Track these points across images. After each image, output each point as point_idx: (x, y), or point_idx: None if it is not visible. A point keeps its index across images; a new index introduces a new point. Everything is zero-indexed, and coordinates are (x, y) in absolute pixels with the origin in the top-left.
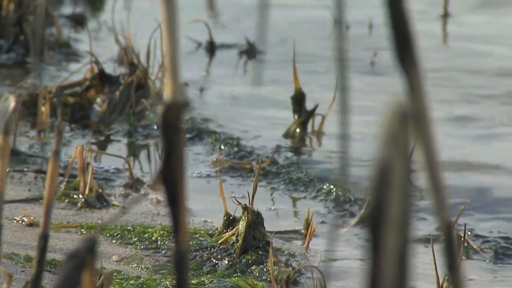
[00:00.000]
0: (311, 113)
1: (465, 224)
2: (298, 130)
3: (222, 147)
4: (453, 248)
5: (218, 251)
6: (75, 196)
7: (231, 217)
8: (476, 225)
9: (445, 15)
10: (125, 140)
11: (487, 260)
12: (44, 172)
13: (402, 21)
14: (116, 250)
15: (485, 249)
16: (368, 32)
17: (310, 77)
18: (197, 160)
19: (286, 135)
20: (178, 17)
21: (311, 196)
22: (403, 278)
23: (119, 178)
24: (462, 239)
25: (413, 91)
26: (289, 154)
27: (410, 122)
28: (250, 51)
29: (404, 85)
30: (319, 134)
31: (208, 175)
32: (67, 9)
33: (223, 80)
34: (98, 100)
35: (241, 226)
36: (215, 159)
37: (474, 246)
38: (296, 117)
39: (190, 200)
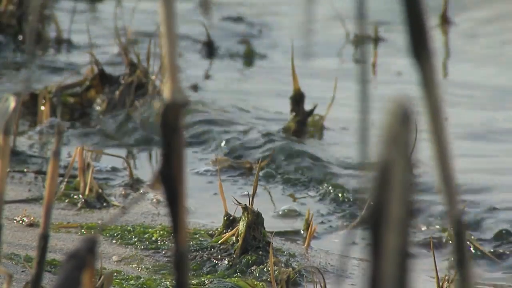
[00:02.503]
0: (310, 113)
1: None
2: (296, 129)
3: (221, 145)
4: (463, 244)
5: (218, 251)
6: (75, 196)
7: (231, 217)
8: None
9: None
10: (124, 140)
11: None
12: (44, 173)
13: (417, 14)
14: (116, 251)
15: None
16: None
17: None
18: (196, 159)
19: (284, 134)
20: (177, 17)
21: (311, 196)
22: (403, 279)
23: (119, 178)
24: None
25: (426, 84)
26: (289, 154)
27: (419, 117)
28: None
29: (418, 78)
30: (318, 134)
31: (208, 174)
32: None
33: (221, 78)
34: (98, 100)
35: (241, 226)
36: (214, 159)
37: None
38: (293, 115)
39: (190, 199)
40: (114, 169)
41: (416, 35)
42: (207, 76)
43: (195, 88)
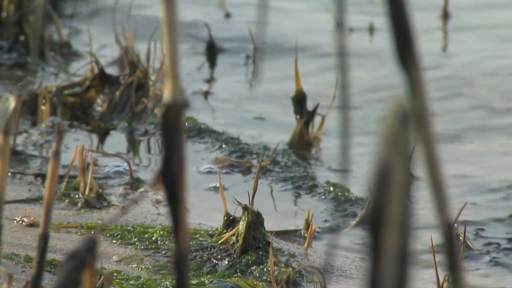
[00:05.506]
0: (313, 113)
1: (465, 224)
2: (301, 130)
3: (223, 145)
4: (454, 247)
5: (218, 251)
6: (75, 196)
7: (231, 217)
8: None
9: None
10: (125, 140)
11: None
12: (43, 175)
13: (403, 21)
14: (116, 251)
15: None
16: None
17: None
18: (197, 159)
19: (291, 138)
20: (178, 17)
21: (312, 196)
22: (403, 279)
23: (119, 178)
24: (462, 239)
25: (413, 91)
26: (289, 153)
27: (411, 121)
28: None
29: (405, 84)
30: (319, 133)
31: (208, 174)
32: (67, 10)
33: (225, 79)
34: (98, 100)
35: (241, 226)
36: (214, 158)
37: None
38: (298, 117)
39: (190, 199)
40: (114, 169)
41: (402, 40)
42: (209, 77)
43: (204, 94)
